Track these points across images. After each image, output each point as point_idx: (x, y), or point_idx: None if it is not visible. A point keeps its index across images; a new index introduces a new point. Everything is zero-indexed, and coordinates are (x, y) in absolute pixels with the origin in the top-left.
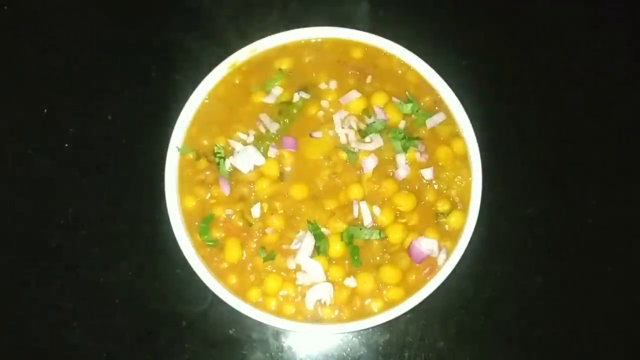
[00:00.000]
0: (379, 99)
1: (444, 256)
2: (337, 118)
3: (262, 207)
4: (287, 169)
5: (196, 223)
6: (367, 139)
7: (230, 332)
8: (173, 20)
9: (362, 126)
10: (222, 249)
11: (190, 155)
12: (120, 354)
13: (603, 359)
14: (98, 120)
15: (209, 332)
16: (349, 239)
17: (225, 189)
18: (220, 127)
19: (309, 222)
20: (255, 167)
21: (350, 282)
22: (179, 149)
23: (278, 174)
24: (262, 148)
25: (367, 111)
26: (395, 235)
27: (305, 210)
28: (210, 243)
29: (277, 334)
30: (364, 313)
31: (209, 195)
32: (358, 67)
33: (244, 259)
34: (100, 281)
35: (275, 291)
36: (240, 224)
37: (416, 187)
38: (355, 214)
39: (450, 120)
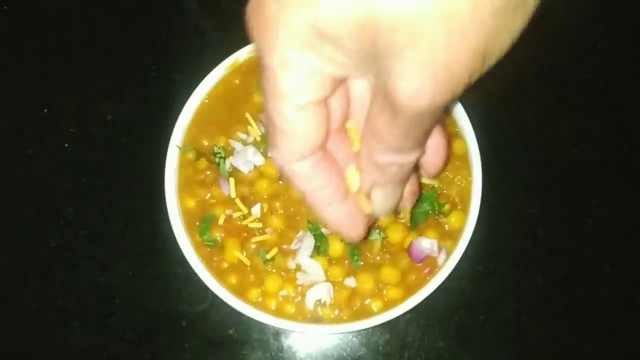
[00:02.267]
0: None
1: (444, 256)
2: None
3: (262, 207)
4: None
5: (196, 223)
6: None
7: (230, 332)
8: (173, 20)
9: None
10: (222, 249)
11: (190, 155)
12: (120, 354)
13: (603, 359)
14: (98, 120)
15: (209, 332)
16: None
17: (225, 189)
18: (220, 127)
19: (308, 221)
20: (255, 167)
21: (350, 282)
22: (179, 148)
23: (278, 174)
24: (262, 148)
25: None
26: (395, 235)
27: (305, 210)
28: (210, 243)
29: (277, 334)
30: (364, 313)
31: (209, 195)
32: None
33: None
34: (100, 281)
35: (275, 291)
36: (240, 223)
37: None
38: None
39: (450, 120)
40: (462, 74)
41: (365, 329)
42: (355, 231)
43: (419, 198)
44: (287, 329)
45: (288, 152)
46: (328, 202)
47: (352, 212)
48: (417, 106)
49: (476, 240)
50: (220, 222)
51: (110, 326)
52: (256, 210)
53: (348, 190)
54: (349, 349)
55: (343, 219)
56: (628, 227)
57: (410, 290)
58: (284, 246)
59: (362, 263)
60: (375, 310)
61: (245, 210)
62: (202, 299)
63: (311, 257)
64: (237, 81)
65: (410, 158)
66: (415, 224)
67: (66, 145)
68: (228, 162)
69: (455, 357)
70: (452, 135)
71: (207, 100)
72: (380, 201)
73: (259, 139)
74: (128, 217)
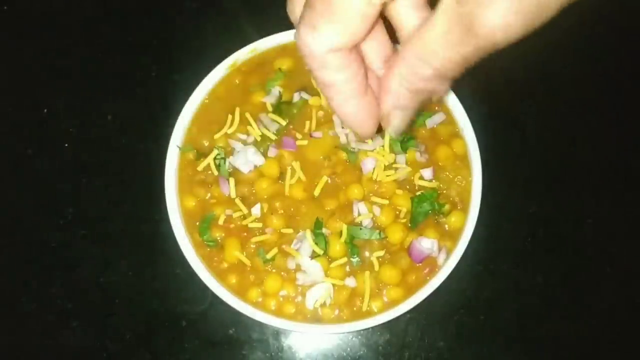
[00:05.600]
0: None
1: (444, 256)
2: (337, 118)
3: (262, 207)
4: (288, 168)
5: (196, 223)
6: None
7: (230, 332)
8: (173, 20)
9: None
10: (222, 249)
11: (190, 155)
12: (120, 354)
13: (603, 359)
14: (98, 120)
15: (209, 332)
16: (349, 239)
17: (225, 189)
18: (220, 127)
19: (317, 219)
20: (255, 167)
21: (350, 282)
22: (179, 148)
23: (278, 174)
24: (262, 148)
25: None
26: (395, 235)
27: (305, 210)
28: (210, 243)
29: (277, 334)
30: (364, 313)
31: (209, 195)
32: None
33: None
34: (100, 281)
35: (275, 291)
36: (240, 223)
37: (416, 187)
38: (355, 214)
39: (450, 120)
40: (551, 5)
41: (365, 329)
42: (368, 127)
43: (420, 197)
44: (287, 329)
45: (329, 38)
46: (350, 95)
47: (368, 108)
48: (501, 37)
49: (476, 240)
50: (220, 222)
51: (110, 326)
52: (256, 210)
53: (368, 86)
54: (349, 349)
55: (360, 114)
56: (628, 227)
57: (410, 290)
58: (284, 246)
59: (362, 263)
60: (375, 310)
61: (245, 210)
62: (202, 299)
63: (311, 257)
64: (237, 81)
65: (444, 85)
66: (415, 224)
67: (66, 145)
68: (228, 162)
69: (455, 357)
70: (452, 135)
71: (207, 100)
72: (398, 122)
73: (259, 139)
74: (128, 217)
